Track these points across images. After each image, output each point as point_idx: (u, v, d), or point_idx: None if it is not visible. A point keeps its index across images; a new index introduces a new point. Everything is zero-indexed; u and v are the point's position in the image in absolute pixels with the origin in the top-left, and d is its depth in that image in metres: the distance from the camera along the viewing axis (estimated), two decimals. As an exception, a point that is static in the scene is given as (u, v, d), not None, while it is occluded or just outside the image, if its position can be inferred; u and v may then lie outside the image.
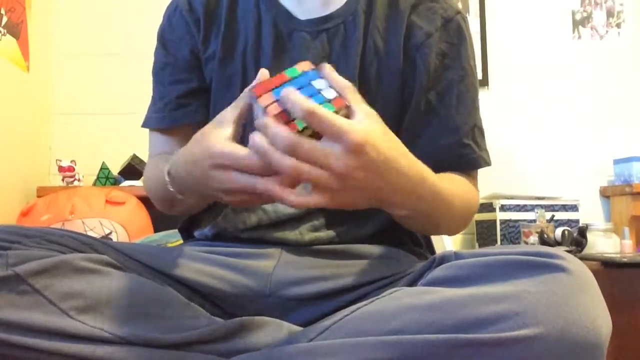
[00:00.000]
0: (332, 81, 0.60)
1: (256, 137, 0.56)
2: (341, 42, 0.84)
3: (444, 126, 0.83)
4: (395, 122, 0.83)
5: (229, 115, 0.64)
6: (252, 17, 0.86)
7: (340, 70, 0.81)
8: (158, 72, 0.92)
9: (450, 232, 0.87)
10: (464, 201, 0.81)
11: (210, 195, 0.66)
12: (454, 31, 0.85)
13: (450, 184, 0.77)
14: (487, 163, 0.86)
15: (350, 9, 0.85)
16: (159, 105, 0.90)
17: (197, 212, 0.87)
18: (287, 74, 0.61)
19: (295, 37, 0.84)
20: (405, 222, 0.77)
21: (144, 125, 0.93)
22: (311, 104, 0.55)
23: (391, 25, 0.84)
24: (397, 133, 0.83)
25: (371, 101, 0.82)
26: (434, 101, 0.84)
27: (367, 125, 0.57)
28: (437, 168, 0.81)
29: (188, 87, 0.88)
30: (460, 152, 0.83)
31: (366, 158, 0.57)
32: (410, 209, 0.68)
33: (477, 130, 0.85)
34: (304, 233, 0.81)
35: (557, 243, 1.98)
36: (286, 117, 0.56)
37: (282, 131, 0.55)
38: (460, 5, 2.49)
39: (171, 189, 0.72)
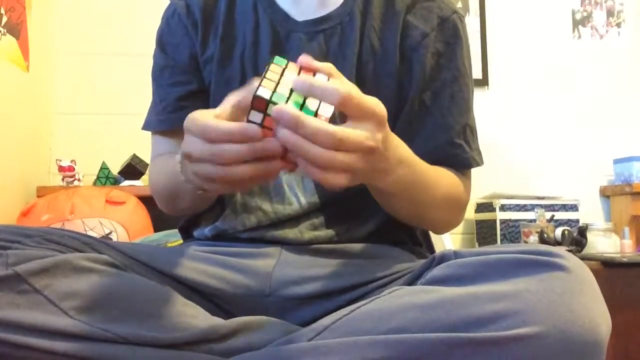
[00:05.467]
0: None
1: (284, 132, 0.53)
2: (338, 42, 0.84)
3: (436, 126, 0.83)
4: (392, 122, 0.83)
5: (227, 98, 0.60)
6: (250, 19, 0.86)
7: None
8: (157, 74, 0.92)
9: (437, 225, 0.86)
10: (449, 188, 0.81)
11: (189, 177, 0.64)
12: (450, 30, 0.85)
13: (435, 169, 0.78)
14: (478, 163, 0.86)
15: (347, 10, 0.85)
16: (159, 107, 0.90)
17: (200, 210, 0.87)
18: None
19: (293, 39, 0.84)
20: (389, 199, 0.76)
21: (145, 127, 0.93)
22: (346, 89, 0.55)
23: (387, 25, 0.84)
24: (393, 131, 0.83)
25: None
26: (428, 101, 0.84)
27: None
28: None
29: (187, 89, 0.88)
30: (452, 151, 0.83)
31: (387, 128, 0.60)
32: (394, 177, 0.67)
33: (468, 130, 0.85)
34: (303, 232, 0.81)
35: (557, 243, 1.98)
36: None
37: (329, 128, 0.54)
38: (460, 5, 2.49)
39: (180, 173, 0.69)
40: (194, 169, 0.60)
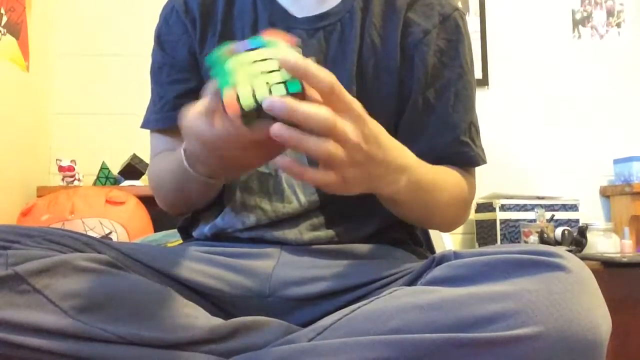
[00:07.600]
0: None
1: (278, 127, 0.54)
2: (338, 39, 0.84)
3: (442, 124, 0.83)
4: (393, 119, 0.84)
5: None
6: (249, 16, 0.86)
7: (337, 68, 0.82)
8: (156, 72, 0.92)
9: (445, 225, 0.87)
10: (455, 188, 0.81)
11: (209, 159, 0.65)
12: (452, 28, 0.85)
13: (439, 171, 0.78)
14: (484, 161, 0.86)
15: (347, 6, 0.85)
16: (158, 105, 0.90)
17: (205, 203, 0.86)
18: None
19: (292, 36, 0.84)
20: (397, 207, 0.76)
21: (143, 126, 0.93)
22: (333, 78, 0.55)
23: (388, 22, 0.84)
24: (395, 130, 0.83)
25: (368, 98, 0.82)
26: (432, 99, 0.84)
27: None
28: (436, 165, 0.81)
29: (186, 87, 0.88)
30: (458, 149, 0.83)
31: (368, 128, 0.58)
32: (399, 186, 0.67)
33: (473, 128, 0.85)
34: (303, 232, 0.81)
35: (557, 243, 1.98)
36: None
37: (322, 112, 0.54)
38: (460, 4, 2.49)
39: (186, 165, 0.70)
40: (217, 154, 0.62)
